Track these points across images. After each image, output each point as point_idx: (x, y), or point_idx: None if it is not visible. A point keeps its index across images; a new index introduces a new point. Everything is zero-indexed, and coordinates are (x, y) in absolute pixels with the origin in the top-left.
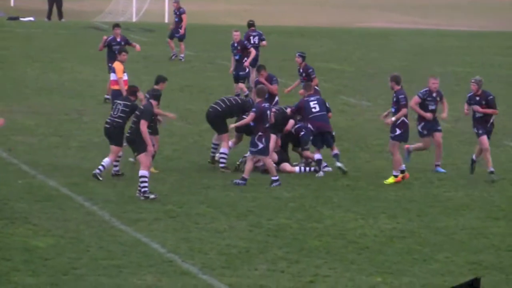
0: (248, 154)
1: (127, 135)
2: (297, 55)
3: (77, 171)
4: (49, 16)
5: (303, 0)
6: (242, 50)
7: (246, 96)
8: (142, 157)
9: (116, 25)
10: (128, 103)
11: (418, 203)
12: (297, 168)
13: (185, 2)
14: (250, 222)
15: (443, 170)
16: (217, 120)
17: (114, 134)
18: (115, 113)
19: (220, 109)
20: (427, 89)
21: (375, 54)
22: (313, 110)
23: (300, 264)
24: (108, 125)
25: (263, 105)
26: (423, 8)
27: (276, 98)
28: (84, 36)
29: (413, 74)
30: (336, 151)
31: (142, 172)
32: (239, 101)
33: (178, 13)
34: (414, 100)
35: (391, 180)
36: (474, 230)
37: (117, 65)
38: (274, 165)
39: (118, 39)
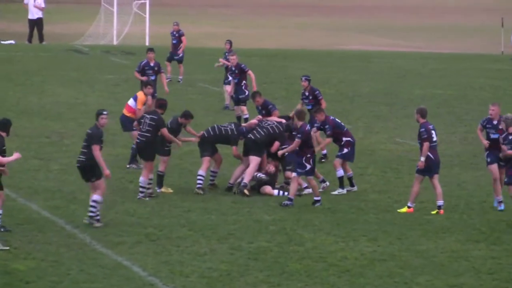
0: (294, 174)
1: (80, 159)
2: (303, 78)
3: (58, 194)
4: (30, 39)
5: (285, 23)
6: (240, 73)
7: (246, 119)
8: (101, 182)
9: (150, 49)
10: (155, 117)
11: (398, 226)
12: (275, 191)
13: (168, 23)
14: (231, 245)
15: (502, 208)
16: (204, 144)
17: (144, 149)
18: (143, 128)
19: (207, 135)
20: (488, 117)
21: (355, 77)
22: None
23: (281, 287)
24: (139, 141)
25: (307, 128)
26: (404, 30)
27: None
28: (65, 59)
29: (394, 97)
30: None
31: (96, 197)
32: (229, 131)
33: (177, 35)
34: (478, 127)
35: (405, 210)
36: (455, 253)
37: (140, 95)
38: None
39: (152, 64)
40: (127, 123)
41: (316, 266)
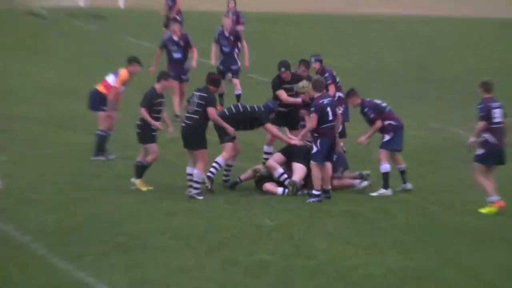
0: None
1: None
2: (313, 59)
3: (4, 194)
4: None
5: None
6: (234, 40)
7: (239, 96)
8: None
9: (174, 20)
10: (205, 94)
11: (436, 233)
12: (279, 189)
13: None
14: (224, 257)
15: None
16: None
17: (192, 136)
18: (191, 108)
19: (228, 114)
20: None
21: (378, 47)
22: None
23: None
24: (184, 125)
25: (321, 101)
26: None
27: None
28: (19, 24)
29: (427, 71)
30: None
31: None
32: (255, 108)
33: None
34: None
35: (489, 209)
36: (510, 270)
37: (123, 72)
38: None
39: (175, 38)
40: (96, 101)
41: (332, 285)
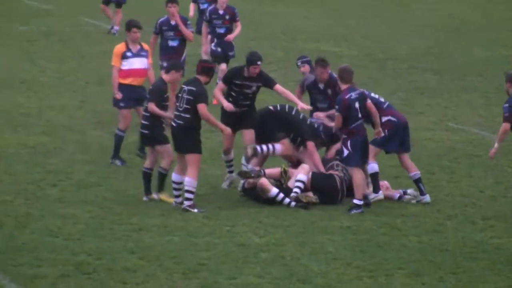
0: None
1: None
2: (299, 63)
3: None
4: None
5: None
6: (230, 21)
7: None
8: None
9: (170, 1)
10: (194, 88)
11: (452, 253)
12: (273, 190)
13: None
14: (203, 281)
15: None
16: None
17: (182, 137)
18: (180, 105)
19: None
20: None
21: (388, 30)
22: None
23: None
24: (175, 124)
25: (346, 96)
26: None
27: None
28: None
29: (445, 60)
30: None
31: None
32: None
33: None
34: None
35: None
36: None
37: (117, 48)
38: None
39: (173, 22)
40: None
41: None
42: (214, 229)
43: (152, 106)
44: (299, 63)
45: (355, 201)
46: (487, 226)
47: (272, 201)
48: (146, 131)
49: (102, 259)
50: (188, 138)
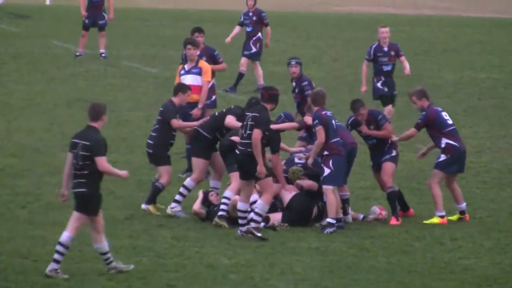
0: (325, 186)
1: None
2: (292, 62)
3: None
4: None
5: None
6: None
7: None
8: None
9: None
10: (257, 114)
11: (421, 274)
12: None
13: None
14: None
15: None
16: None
17: (248, 164)
18: (245, 132)
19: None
20: None
21: (357, 53)
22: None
23: None
24: (239, 152)
25: (323, 112)
26: None
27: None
28: None
29: (415, 83)
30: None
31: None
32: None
33: None
34: None
35: (435, 220)
36: None
37: (204, 64)
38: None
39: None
40: (188, 114)
41: None
42: (183, 250)
43: (175, 122)
44: (293, 62)
45: (329, 219)
46: (455, 247)
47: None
48: (149, 150)
49: (71, 281)
50: (254, 165)
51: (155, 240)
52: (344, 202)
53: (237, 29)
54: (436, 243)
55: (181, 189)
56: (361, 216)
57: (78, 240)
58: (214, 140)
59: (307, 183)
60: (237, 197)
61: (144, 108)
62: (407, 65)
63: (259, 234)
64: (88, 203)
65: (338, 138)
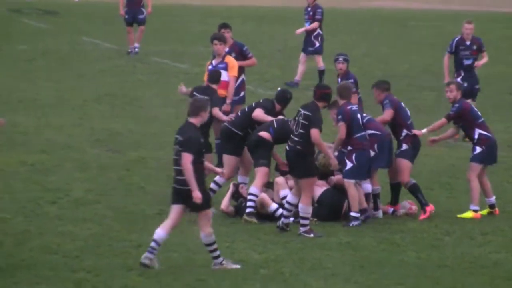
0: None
1: None
2: (340, 59)
3: None
4: None
5: None
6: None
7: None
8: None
9: (223, 26)
10: (309, 113)
11: (450, 269)
12: (273, 205)
13: None
14: None
15: None
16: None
17: (296, 162)
18: (296, 129)
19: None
20: None
21: (386, 48)
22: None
23: None
24: (288, 149)
25: (348, 107)
26: None
27: None
28: None
29: (443, 78)
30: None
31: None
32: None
33: None
34: None
35: (468, 214)
36: None
37: (230, 60)
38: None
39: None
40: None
41: None
42: None
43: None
44: (341, 59)
45: (353, 213)
46: (485, 241)
47: (271, 217)
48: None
49: (101, 276)
50: (302, 163)
51: (186, 235)
52: (375, 196)
53: (305, 25)
54: (466, 238)
55: (212, 185)
56: (391, 209)
57: (107, 237)
58: (245, 137)
59: (338, 178)
60: (264, 194)
61: (173, 105)
62: (482, 61)
63: (311, 235)
64: (191, 199)
65: (364, 133)
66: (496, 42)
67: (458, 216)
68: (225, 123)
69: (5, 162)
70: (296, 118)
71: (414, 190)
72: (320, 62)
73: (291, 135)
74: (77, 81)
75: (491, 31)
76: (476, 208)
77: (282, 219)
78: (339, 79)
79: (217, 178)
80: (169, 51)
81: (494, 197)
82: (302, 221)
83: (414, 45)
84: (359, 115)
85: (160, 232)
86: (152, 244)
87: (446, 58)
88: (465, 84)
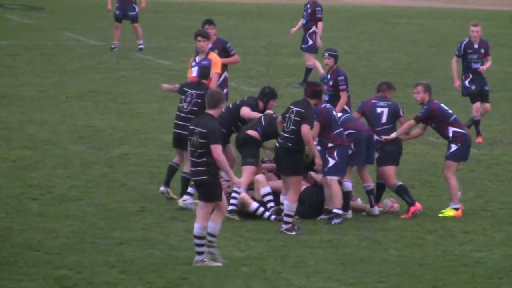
0: (327, 177)
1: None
2: (326, 54)
3: None
4: None
5: None
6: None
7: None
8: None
9: (207, 22)
10: (301, 110)
11: (432, 267)
12: (254, 204)
13: None
14: None
15: None
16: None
17: (285, 159)
18: (287, 125)
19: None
20: None
21: (370, 45)
22: None
23: None
24: (278, 145)
25: (323, 105)
26: None
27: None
28: None
29: (427, 75)
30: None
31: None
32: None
33: None
34: None
35: (449, 212)
36: None
37: (214, 56)
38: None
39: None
40: None
41: None
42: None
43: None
44: (326, 54)
45: (336, 210)
46: (467, 240)
47: (252, 215)
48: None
49: (83, 273)
50: (291, 160)
51: (168, 232)
52: (369, 193)
53: (301, 21)
54: (448, 236)
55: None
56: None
57: (89, 234)
58: (228, 134)
59: (320, 177)
60: (244, 194)
61: (156, 100)
62: (486, 65)
63: (293, 233)
64: (211, 191)
65: (341, 129)
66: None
67: (440, 215)
68: None
69: None
70: (287, 115)
71: (402, 191)
72: (310, 60)
73: (281, 132)
74: (61, 77)
75: None
76: (457, 206)
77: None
78: (328, 75)
79: None
80: (152, 47)
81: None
82: (285, 218)
83: (397, 42)
84: (334, 112)
85: (212, 225)
86: (209, 238)
87: (454, 61)
88: (473, 87)
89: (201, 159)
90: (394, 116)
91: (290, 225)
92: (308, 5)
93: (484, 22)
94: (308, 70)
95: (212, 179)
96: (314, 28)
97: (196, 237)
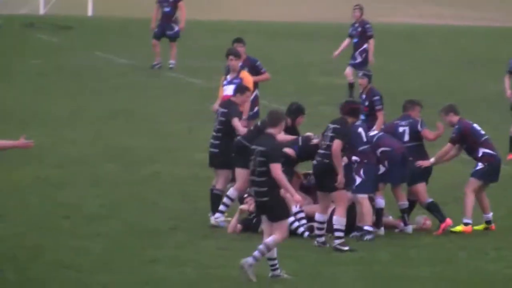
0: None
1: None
2: (360, 74)
3: None
4: None
5: None
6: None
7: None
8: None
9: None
10: (337, 126)
11: (464, 284)
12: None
13: None
14: None
15: None
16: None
17: (325, 176)
18: (324, 142)
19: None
20: None
21: (398, 65)
22: None
23: None
24: (316, 163)
25: (356, 123)
26: None
27: None
28: None
29: (459, 94)
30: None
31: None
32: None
33: (171, 0)
34: None
35: (459, 228)
36: None
37: (245, 74)
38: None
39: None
40: None
41: None
42: (228, 261)
43: (236, 122)
44: (360, 74)
45: (366, 227)
46: (499, 257)
47: (253, 229)
48: (215, 150)
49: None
50: (331, 176)
51: (200, 250)
52: (403, 211)
53: (346, 41)
54: (480, 253)
55: (225, 199)
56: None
57: (120, 252)
58: None
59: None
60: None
61: (187, 120)
62: None
63: (346, 248)
64: (274, 211)
65: (366, 146)
66: (509, 57)
67: (451, 230)
68: (239, 137)
69: (19, 176)
70: (325, 133)
71: (433, 208)
72: (350, 76)
73: (318, 150)
74: (91, 96)
75: (504, 46)
76: (468, 221)
77: (317, 239)
78: (363, 95)
79: (229, 192)
80: (183, 66)
81: (491, 214)
82: (336, 233)
83: (426, 61)
84: (360, 129)
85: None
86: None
87: (506, 78)
88: None
89: (261, 178)
90: (416, 132)
91: (342, 240)
92: (356, 24)
93: None
94: (351, 85)
95: (273, 199)
96: (365, 45)
97: (270, 259)
